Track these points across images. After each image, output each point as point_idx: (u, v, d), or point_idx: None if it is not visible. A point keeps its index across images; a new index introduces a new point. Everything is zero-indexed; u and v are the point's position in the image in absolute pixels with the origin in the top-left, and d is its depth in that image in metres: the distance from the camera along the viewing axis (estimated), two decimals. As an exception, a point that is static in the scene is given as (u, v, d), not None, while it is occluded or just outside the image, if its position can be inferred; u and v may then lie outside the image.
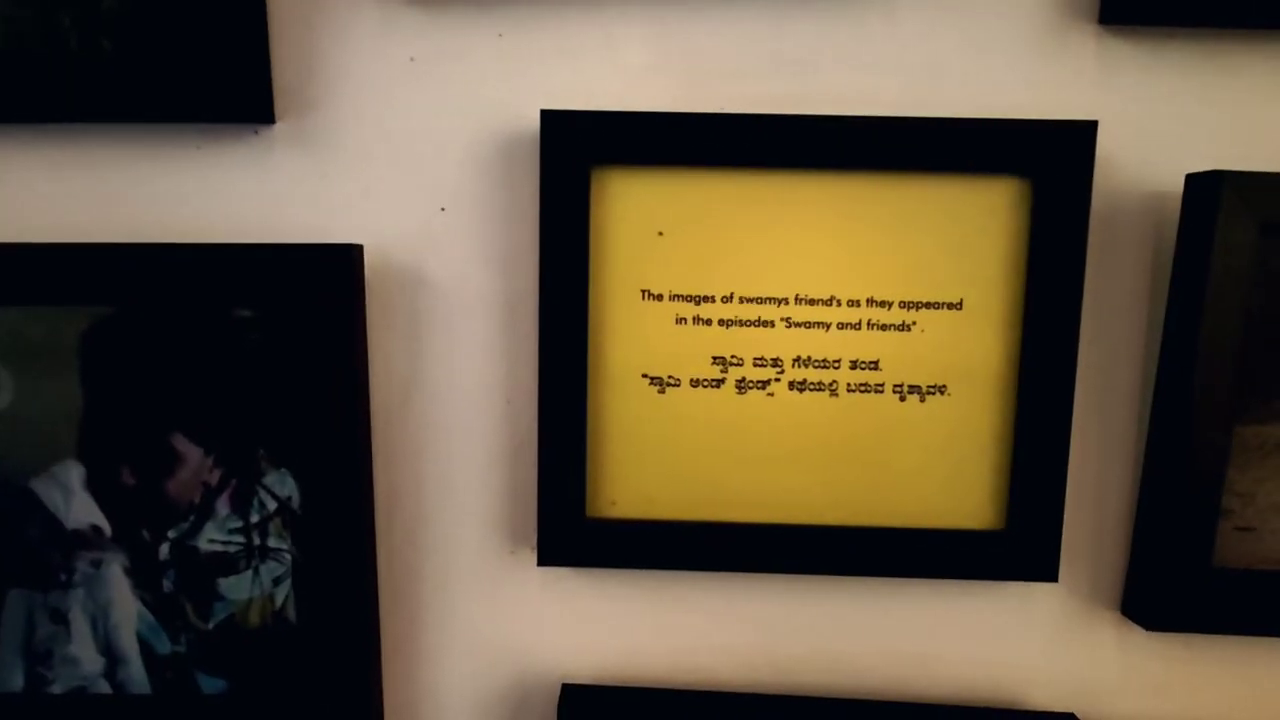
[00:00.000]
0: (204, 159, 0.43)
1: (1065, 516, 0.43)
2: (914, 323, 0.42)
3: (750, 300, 0.42)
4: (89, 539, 0.43)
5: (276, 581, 0.43)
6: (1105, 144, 0.41)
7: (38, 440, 0.42)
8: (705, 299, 0.42)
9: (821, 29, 0.43)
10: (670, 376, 0.43)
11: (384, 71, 0.43)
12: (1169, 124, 0.43)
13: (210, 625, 0.44)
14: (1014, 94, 0.42)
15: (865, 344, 0.42)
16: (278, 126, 0.43)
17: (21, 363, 0.42)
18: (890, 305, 0.42)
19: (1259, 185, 0.40)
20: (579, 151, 0.41)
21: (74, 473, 0.43)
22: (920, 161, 0.41)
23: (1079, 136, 0.40)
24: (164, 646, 0.44)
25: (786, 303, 0.42)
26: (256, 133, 0.43)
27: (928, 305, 0.42)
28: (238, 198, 0.44)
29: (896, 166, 0.41)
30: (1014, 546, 0.43)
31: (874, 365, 0.42)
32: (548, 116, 0.40)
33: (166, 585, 0.43)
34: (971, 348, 0.42)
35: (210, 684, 0.44)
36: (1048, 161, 0.40)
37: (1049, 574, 0.43)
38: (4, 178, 0.44)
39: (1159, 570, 0.42)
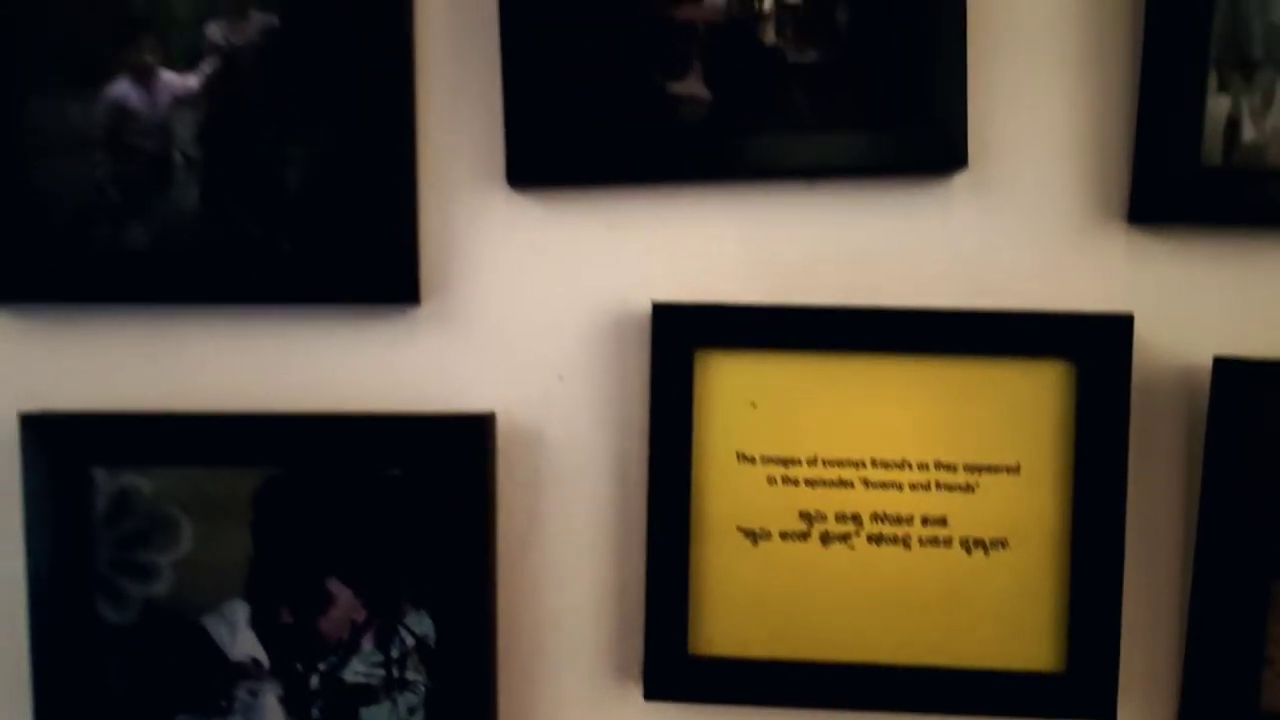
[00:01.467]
0: (360, 336, 0.51)
1: (1120, 659, 0.48)
2: (977, 484, 0.48)
3: (832, 463, 0.48)
4: (249, 670, 0.49)
5: (411, 710, 0.49)
6: (1140, 328, 0.47)
7: (211, 582, 0.49)
8: (792, 461, 0.48)
9: (886, 225, 0.50)
10: (762, 529, 0.49)
11: (511, 258, 0.51)
12: (1196, 311, 0.49)
13: (349, 749, 0.49)
14: (1056, 284, 0.49)
15: (934, 502, 0.48)
16: (422, 307, 0.51)
17: (201, 514, 0.49)
18: (955, 468, 0.48)
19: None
20: (684, 337, 0.48)
21: (240, 611, 0.49)
22: (978, 348, 0.47)
23: (1116, 327, 0.46)
24: (307, 767, 0.49)
25: (864, 465, 0.48)
26: (404, 313, 0.51)
27: (988, 469, 0.48)
28: (388, 369, 0.51)
29: (958, 351, 0.47)
30: (1074, 687, 0.47)
31: (942, 521, 0.48)
32: (658, 309, 0.48)
33: (315, 713, 0.49)
34: (1029, 506, 0.48)
35: (346, 802, 0.49)
36: (1090, 348, 0.47)
37: (1107, 713, 0.47)
38: (188, 352, 0.51)
39: (1206, 716, 0.47)
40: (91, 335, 0.51)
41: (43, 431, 0.48)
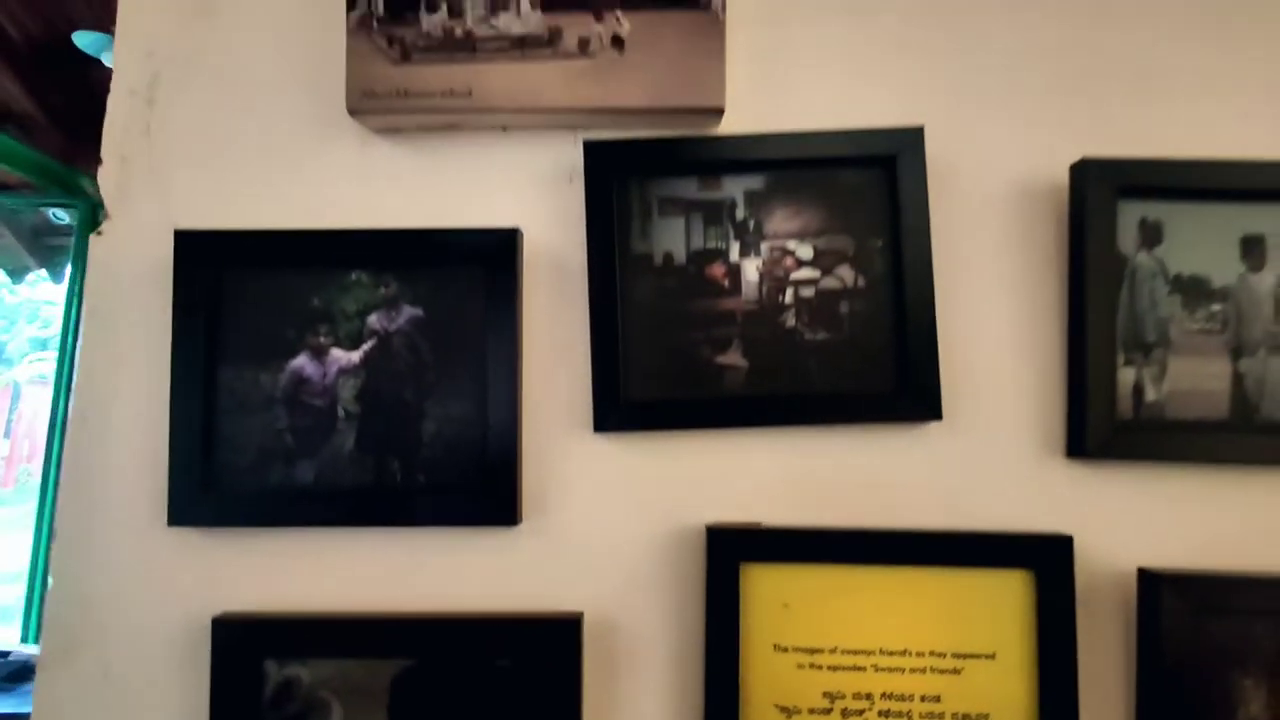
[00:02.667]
0: (476, 549, 0.65)
1: (1082, 813, 0.60)
2: (963, 669, 0.61)
3: (849, 652, 0.61)
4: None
5: None
6: (1083, 542, 0.62)
7: (355, 756, 0.61)
8: (818, 651, 0.61)
9: (881, 462, 0.65)
10: (794, 706, 0.61)
11: (594, 487, 0.65)
12: (1125, 528, 0.63)
13: None
14: (1015, 507, 0.64)
15: (930, 683, 0.61)
16: (523, 525, 0.65)
17: (349, 699, 0.61)
18: (945, 655, 0.61)
19: (1192, 579, 0.60)
20: (731, 553, 0.62)
21: (377, 780, 0.60)
22: (959, 560, 0.61)
23: (1060, 544, 0.61)
24: None
25: (874, 654, 0.61)
26: (509, 531, 0.65)
27: (971, 656, 0.61)
28: (497, 576, 0.64)
29: (943, 564, 0.61)
30: (1048, 837, 0.59)
31: (937, 699, 0.61)
32: (711, 531, 0.62)
33: None
34: (1004, 687, 0.61)
35: None
36: (1042, 561, 0.61)
37: None
38: (341, 564, 0.65)
39: None
40: (266, 551, 0.64)
41: (228, 631, 0.61)
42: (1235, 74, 0.67)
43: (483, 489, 0.63)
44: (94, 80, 4.51)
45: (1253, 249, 0.64)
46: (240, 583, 0.64)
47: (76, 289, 4.66)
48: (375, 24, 0.64)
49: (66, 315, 4.68)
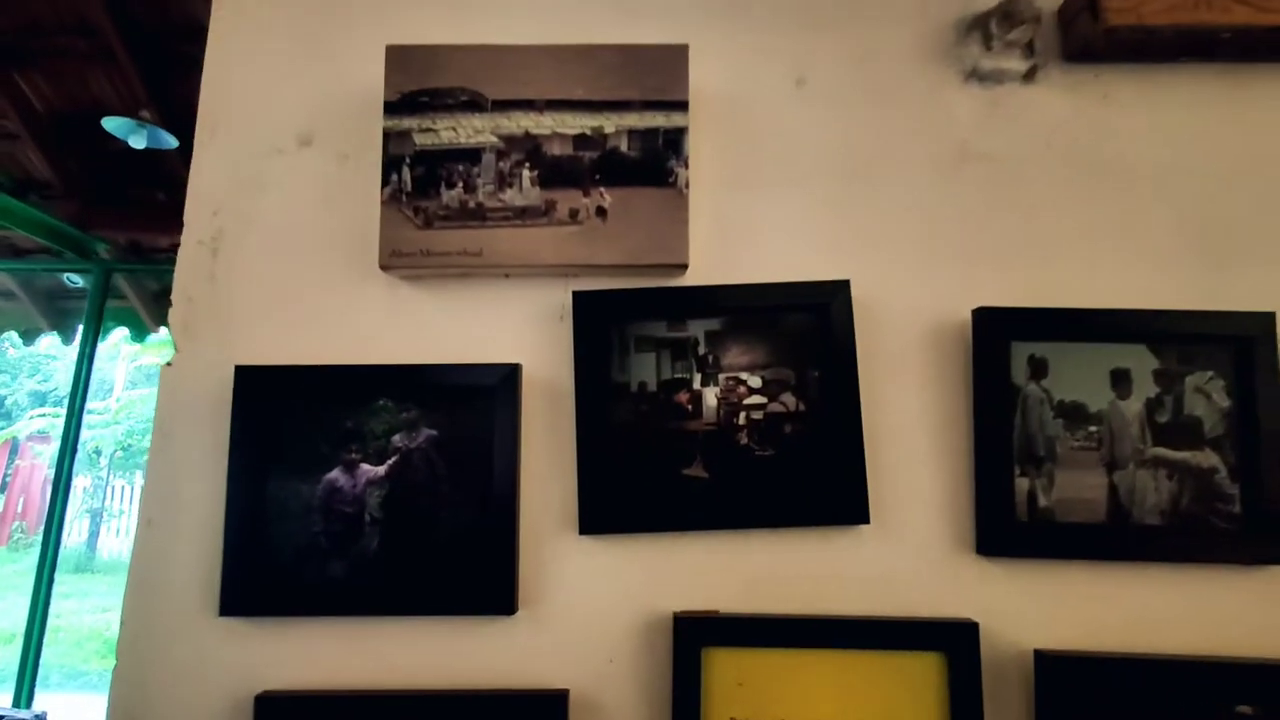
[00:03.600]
0: (478, 634, 0.76)
1: None
2: (890, 737, 0.72)
3: (793, 723, 0.73)
4: None
5: None
6: (989, 627, 0.74)
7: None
8: (767, 722, 0.73)
9: (820, 557, 0.77)
10: (748, 771, 0.72)
11: (579, 580, 0.77)
12: (1026, 615, 0.76)
13: None
14: (932, 596, 0.76)
15: (862, 751, 0.72)
16: (519, 613, 0.76)
17: (370, 766, 0.72)
18: (875, 726, 0.72)
19: (1081, 660, 0.72)
20: (694, 639, 0.73)
21: (393, 837, 0.71)
22: (883, 644, 0.73)
23: (967, 629, 0.73)
24: None
25: (815, 725, 0.73)
26: (507, 619, 0.76)
27: (897, 726, 0.72)
28: (496, 656, 0.76)
29: (870, 647, 0.73)
30: None
31: (868, 764, 0.72)
32: (678, 618, 0.74)
33: None
34: (925, 754, 0.72)
35: None
36: (954, 644, 0.73)
37: None
38: (367, 648, 0.76)
39: None
40: (303, 638, 0.76)
41: (269, 707, 0.72)
42: (1105, 239, 0.82)
43: (485, 583, 0.75)
44: (110, 152, 4.74)
45: (1120, 380, 0.77)
46: (280, 665, 0.75)
47: (88, 351, 4.79)
48: (404, 197, 0.79)
49: (76, 377, 4.79)
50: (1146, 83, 0.86)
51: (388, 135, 0.80)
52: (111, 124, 3.41)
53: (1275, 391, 0.76)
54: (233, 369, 0.78)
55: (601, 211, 0.79)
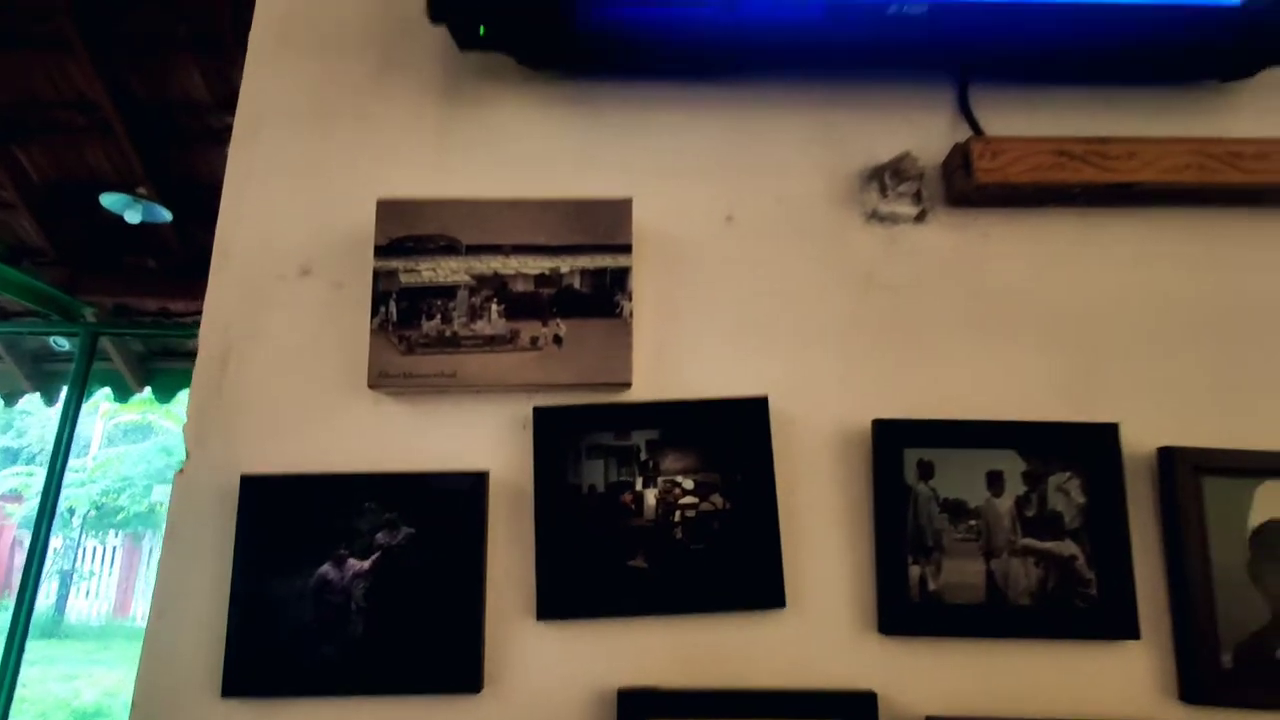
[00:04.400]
0: (446, 711, 0.87)
1: None
2: (804, 797, 0.84)
3: (721, 785, 0.84)
4: None
5: None
6: (892, 697, 0.86)
7: None
8: (699, 785, 0.84)
9: (748, 636, 0.89)
10: (683, 829, 0.83)
11: (538, 660, 0.89)
12: (925, 688, 0.88)
13: None
14: (842, 669, 0.88)
15: (781, 809, 0.83)
16: (483, 692, 0.88)
17: (351, 830, 0.82)
18: (791, 787, 0.84)
19: (959, 723, 0.84)
20: (638, 712, 0.85)
21: None
22: (795, 714, 0.85)
23: (868, 699, 0.85)
24: None
25: (740, 786, 0.84)
26: (473, 697, 0.88)
27: (810, 787, 0.84)
28: (464, 730, 0.87)
29: (788, 716, 0.85)
30: None
31: (786, 821, 0.83)
32: (622, 694, 0.85)
33: None
34: (834, 810, 0.83)
35: None
36: (855, 712, 0.85)
37: None
38: None
39: None
40: (298, 715, 0.87)
41: (263, 779, 0.82)
42: (984, 358, 0.98)
43: (455, 664, 0.87)
44: (99, 221, 4.87)
45: (995, 481, 0.92)
46: (274, 740, 0.86)
47: (71, 414, 4.82)
48: (390, 327, 0.93)
49: (58, 440, 4.82)
50: (1016, 225, 1.03)
51: (377, 274, 0.94)
52: (109, 200, 3.56)
53: (1120, 491, 0.91)
54: (238, 476, 0.90)
55: (558, 339, 0.93)
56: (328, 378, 0.96)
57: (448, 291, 0.94)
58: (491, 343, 0.93)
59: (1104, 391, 0.96)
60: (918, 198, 1.03)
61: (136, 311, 5.61)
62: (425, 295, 0.94)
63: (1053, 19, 0.98)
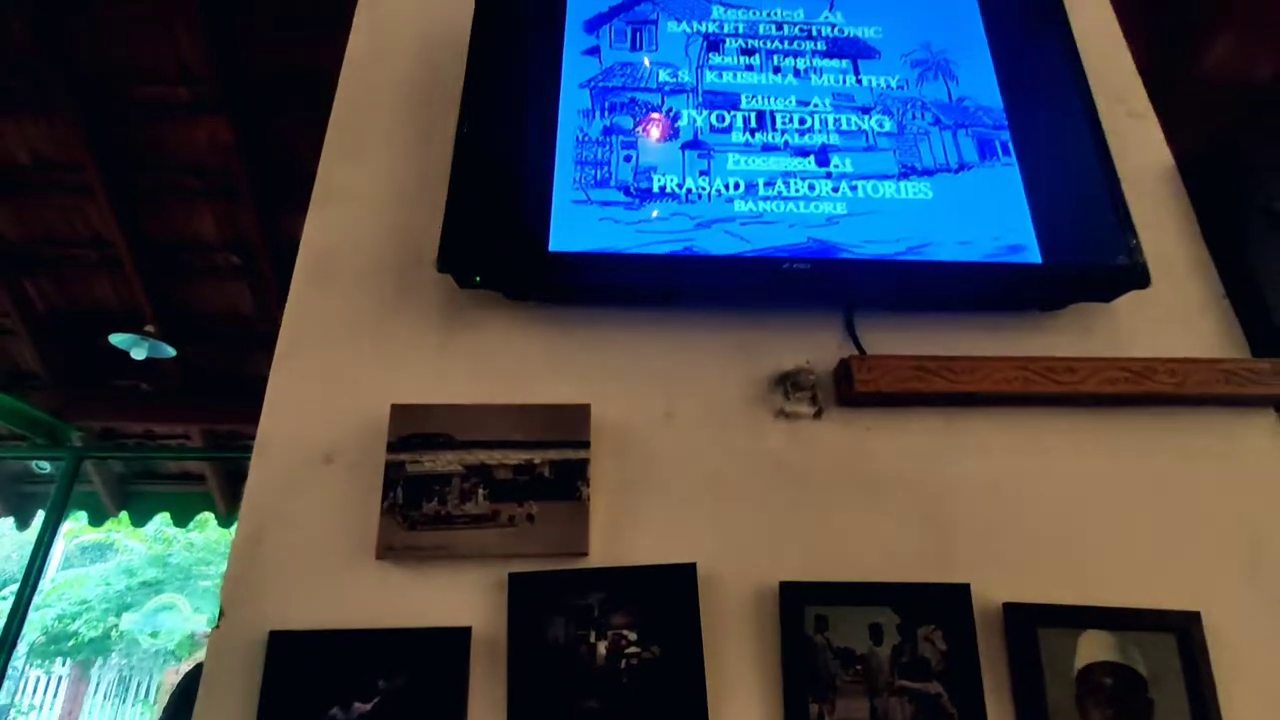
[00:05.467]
0: (432, 835, 1.05)
1: None
2: None
3: None
4: None
5: None
6: (793, 819, 1.06)
7: None
8: None
9: (682, 765, 1.09)
10: None
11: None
12: (817, 809, 1.08)
13: None
14: (757, 796, 1.08)
15: None
16: (463, 817, 1.06)
17: None
18: None
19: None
20: (587, 834, 1.04)
21: None
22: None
23: (779, 822, 1.05)
24: None
25: None
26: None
27: None
28: None
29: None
30: None
31: None
32: (575, 819, 1.04)
33: None
34: None
35: None
36: (768, 833, 1.04)
37: None
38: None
39: None
40: (303, 842, 1.04)
41: None
42: (869, 530, 1.24)
43: (439, 794, 1.06)
44: (98, 349, 5.09)
45: (875, 632, 1.16)
46: None
47: (46, 539, 4.85)
48: (397, 509, 1.18)
49: (30, 566, 4.82)
50: (891, 421, 1.32)
51: (388, 464, 1.20)
52: (118, 339, 3.82)
53: (972, 640, 1.15)
54: (267, 632, 1.11)
55: (530, 518, 1.18)
56: (343, 550, 1.19)
57: (444, 479, 1.19)
58: (477, 521, 1.18)
59: (960, 556, 1.23)
60: (814, 400, 1.33)
61: (122, 435, 5.74)
62: (426, 482, 1.19)
63: (906, 273, 1.31)
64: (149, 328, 3.92)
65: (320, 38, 1.70)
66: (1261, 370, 1.32)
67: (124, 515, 5.57)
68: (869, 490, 1.27)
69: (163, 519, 5.56)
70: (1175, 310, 1.44)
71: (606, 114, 1.41)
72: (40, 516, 5.11)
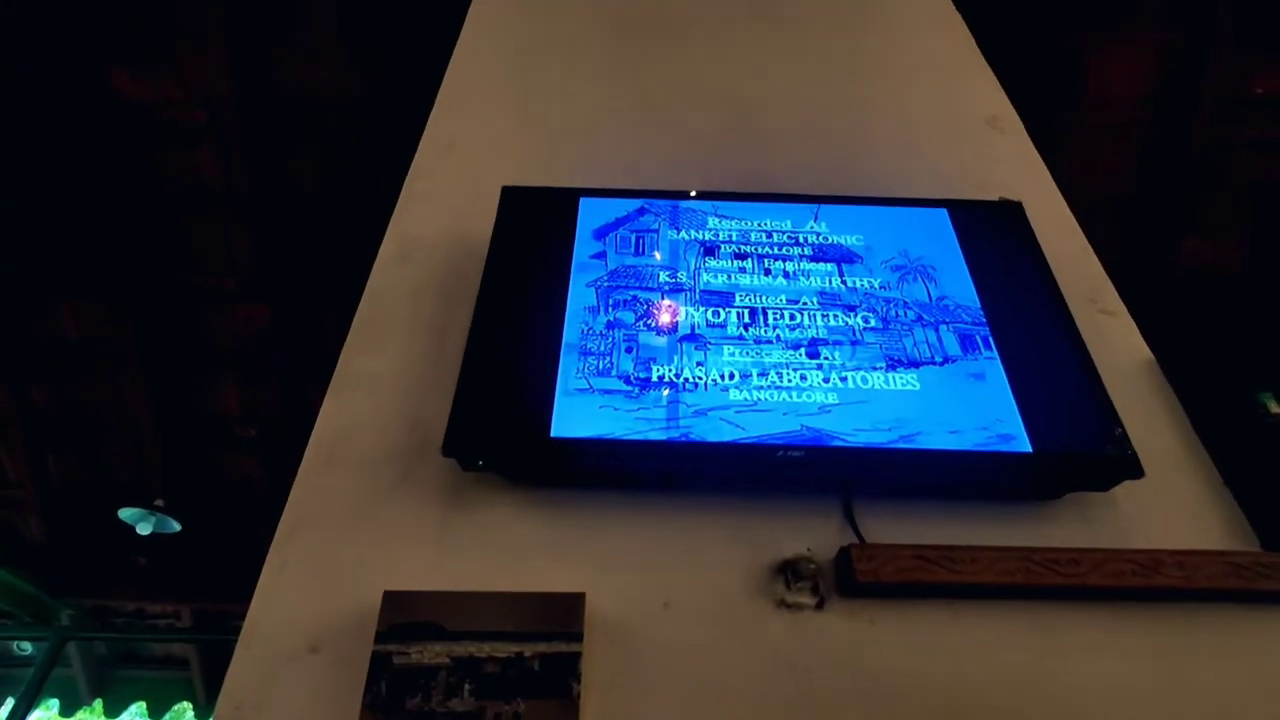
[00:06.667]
0: None
1: None
2: None
3: None
4: None
5: None
6: None
7: None
8: None
9: None
10: None
11: None
12: None
13: None
14: None
15: None
16: None
17: None
18: None
19: None
20: None
21: None
22: None
23: None
24: None
25: None
26: None
27: None
28: None
29: None
30: None
31: None
32: None
33: None
34: None
35: None
36: None
37: None
38: None
39: None
40: None
41: None
42: None
43: None
44: (106, 523, 5.07)
45: None
46: None
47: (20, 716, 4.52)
48: (379, 704, 1.12)
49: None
50: (895, 612, 1.28)
51: (375, 656, 1.16)
52: (126, 514, 3.83)
53: None
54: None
55: (517, 716, 1.12)
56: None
57: (430, 672, 1.15)
58: (462, 719, 1.12)
59: (976, 766, 1.13)
60: (816, 589, 1.30)
61: (112, 612, 5.55)
62: (411, 675, 1.15)
63: (899, 461, 1.34)
64: (158, 502, 3.93)
65: (359, 241, 1.89)
66: (1274, 564, 1.29)
67: (98, 704, 5.23)
68: (874, 691, 1.20)
69: (138, 708, 5.21)
70: (1176, 500, 1.43)
71: (610, 310, 1.52)
72: (9, 704, 4.83)
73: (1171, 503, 1.42)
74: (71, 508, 5.46)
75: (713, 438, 1.35)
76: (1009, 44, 2.69)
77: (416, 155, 2.04)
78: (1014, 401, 1.39)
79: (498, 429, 1.36)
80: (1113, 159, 3.99)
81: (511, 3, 2.61)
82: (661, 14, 2.55)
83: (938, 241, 1.64)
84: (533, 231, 1.65)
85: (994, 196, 1.78)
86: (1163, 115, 3.89)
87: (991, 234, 1.67)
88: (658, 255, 1.61)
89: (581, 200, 1.70)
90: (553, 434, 1.34)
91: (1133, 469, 1.33)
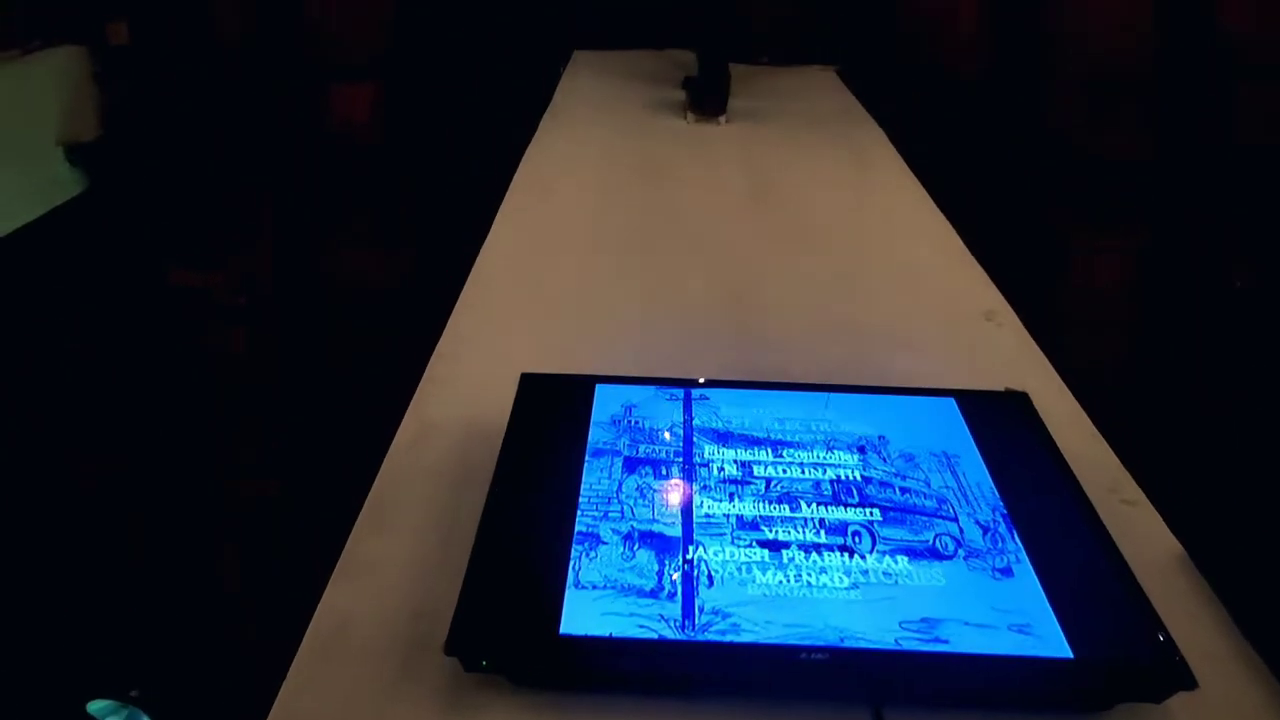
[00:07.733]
0: None
1: None
2: None
3: None
4: None
5: None
6: None
7: None
8: None
9: None
10: None
11: None
12: None
13: None
14: None
15: None
16: None
17: None
18: None
19: None
20: None
21: None
22: None
23: None
24: None
25: None
26: None
27: None
28: None
29: None
30: None
31: None
32: None
33: None
34: None
35: None
36: None
37: None
38: None
39: None
40: None
41: None
42: None
43: None
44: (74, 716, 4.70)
45: None
46: None
47: None
48: None
49: None
50: None
51: None
52: (96, 707, 3.56)
53: None
54: None
55: None
56: None
57: None
58: None
59: None
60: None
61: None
62: None
63: (934, 667, 1.26)
64: (134, 692, 3.66)
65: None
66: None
67: None
68: None
69: None
70: (1237, 711, 1.31)
71: (623, 500, 1.50)
72: None
73: (1234, 713, 1.30)
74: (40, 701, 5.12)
75: (730, 637, 1.28)
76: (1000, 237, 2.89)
77: (439, 343, 2.14)
78: (1046, 601, 1.33)
79: (503, 626, 1.30)
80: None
81: (535, 202, 2.85)
82: (670, 207, 2.79)
83: (949, 431, 1.65)
84: (549, 418, 1.68)
85: (998, 387, 1.81)
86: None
87: (1001, 424, 1.68)
88: (668, 437, 1.62)
89: (598, 387, 1.75)
90: (562, 631, 1.27)
91: (1184, 678, 1.23)
